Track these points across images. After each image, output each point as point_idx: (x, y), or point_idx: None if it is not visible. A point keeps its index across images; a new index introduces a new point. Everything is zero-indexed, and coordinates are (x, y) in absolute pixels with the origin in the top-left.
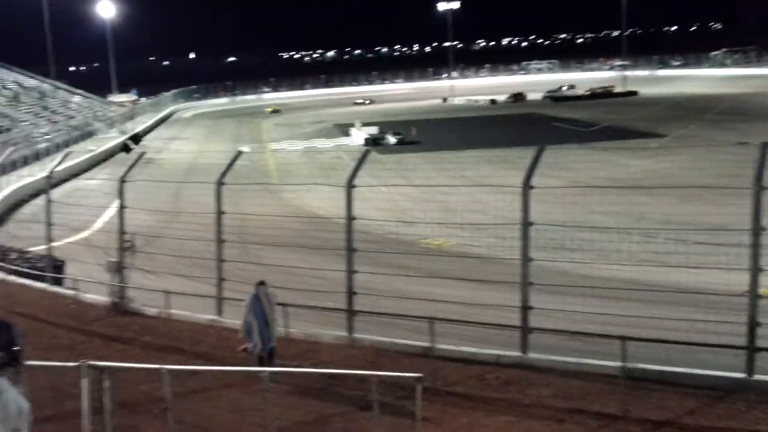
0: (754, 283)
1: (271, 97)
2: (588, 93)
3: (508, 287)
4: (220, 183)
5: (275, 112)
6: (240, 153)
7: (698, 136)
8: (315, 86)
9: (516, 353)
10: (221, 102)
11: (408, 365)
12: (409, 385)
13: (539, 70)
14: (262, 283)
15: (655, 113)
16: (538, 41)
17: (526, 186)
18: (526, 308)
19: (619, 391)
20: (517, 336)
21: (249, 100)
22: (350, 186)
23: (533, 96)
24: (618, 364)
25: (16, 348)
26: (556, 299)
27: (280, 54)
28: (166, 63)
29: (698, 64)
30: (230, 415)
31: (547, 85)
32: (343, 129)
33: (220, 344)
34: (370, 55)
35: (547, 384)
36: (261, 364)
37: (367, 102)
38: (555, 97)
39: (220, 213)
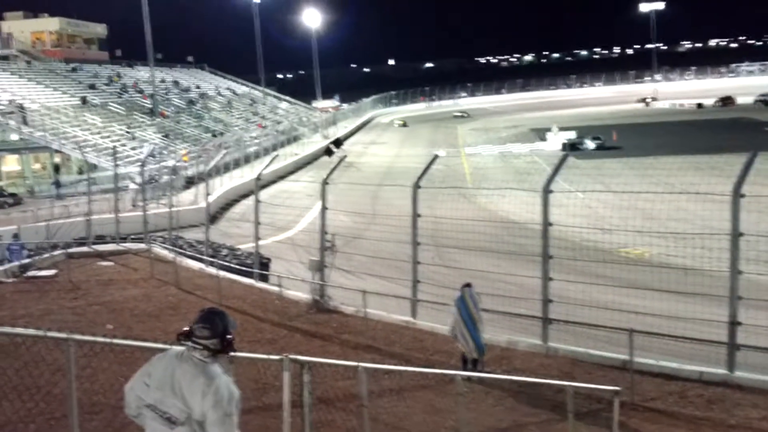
0: None
1: (467, 102)
2: None
3: (714, 301)
4: (416, 186)
5: (403, 125)
6: (436, 157)
7: None
8: (511, 90)
9: (721, 370)
10: (418, 107)
11: (604, 377)
12: (605, 398)
13: (750, 73)
14: (468, 285)
15: None
16: (749, 42)
17: (737, 194)
18: (734, 323)
19: None
20: (722, 352)
21: (445, 105)
22: (547, 191)
23: (743, 100)
24: None
25: (229, 336)
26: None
27: (476, 59)
28: (366, 70)
29: None
30: (424, 416)
31: (759, 88)
32: (540, 133)
33: (414, 345)
34: (568, 59)
35: (755, 405)
36: (465, 366)
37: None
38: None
39: (415, 216)
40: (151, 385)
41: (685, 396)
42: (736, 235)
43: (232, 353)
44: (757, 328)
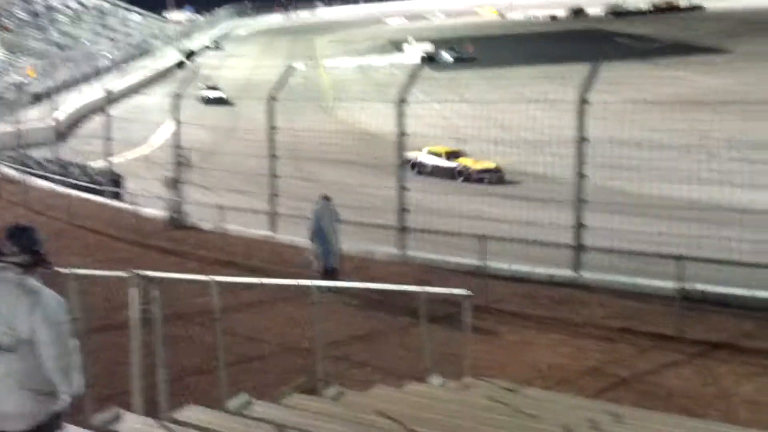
0: None
1: (325, 12)
2: (651, 8)
3: (564, 206)
4: (271, 98)
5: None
6: (291, 68)
7: (766, 52)
8: (369, 0)
9: (568, 272)
10: (276, 19)
11: (459, 283)
12: (460, 302)
13: None
14: (324, 197)
15: (721, 28)
16: None
17: (581, 101)
18: (579, 226)
19: (674, 312)
20: (570, 255)
21: (304, 17)
22: (401, 102)
23: (594, 11)
24: (675, 284)
25: (37, 249)
26: (612, 218)
27: None
28: None
29: None
30: (284, 328)
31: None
32: (398, 46)
33: (273, 258)
34: None
35: (600, 303)
36: (323, 277)
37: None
38: (617, 12)
39: (272, 128)
40: None
41: (535, 297)
42: (580, 140)
43: (49, 266)
44: (602, 230)
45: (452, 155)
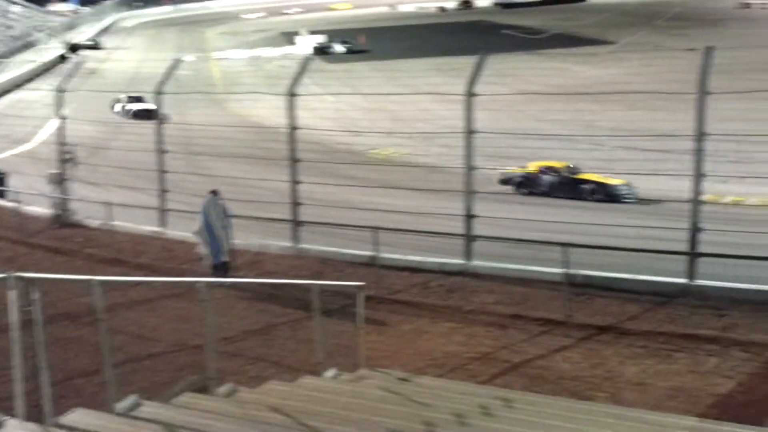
0: (697, 188)
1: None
2: None
3: (456, 196)
4: (159, 92)
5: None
6: (179, 61)
7: (648, 43)
8: None
9: (460, 261)
10: (165, 10)
11: (352, 274)
12: (354, 293)
13: None
14: (213, 192)
15: (605, 20)
16: None
17: (469, 94)
18: (469, 216)
19: (561, 297)
20: (461, 244)
21: (193, 8)
22: (292, 94)
23: (482, 3)
24: (561, 270)
25: None
26: (502, 207)
27: None
28: None
29: None
30: (175, 325)
31: None
32: (290, 37)
33: (163, 255)
34: None
35: (491, 291)
36: (215, 273)
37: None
38: (505, 4)
39: (160, 122)
40: None
41: (427, 287)
42: (468, 132)
43: None
44: (492, 219)
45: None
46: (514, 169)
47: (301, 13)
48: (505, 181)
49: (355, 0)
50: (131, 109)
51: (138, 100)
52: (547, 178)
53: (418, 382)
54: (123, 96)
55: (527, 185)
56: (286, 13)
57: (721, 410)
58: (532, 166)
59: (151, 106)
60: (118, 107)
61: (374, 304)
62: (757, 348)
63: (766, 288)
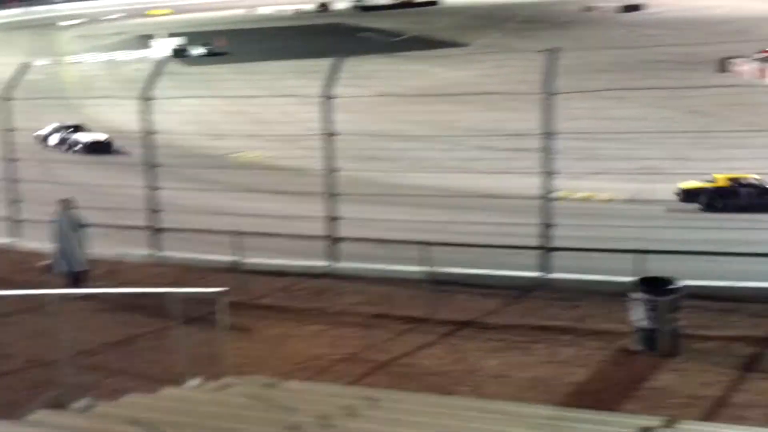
0: (547, 185)
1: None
2: (394, 2)
3: (320, 199)
4: (7, 98)
5: None
6: (27, 65)
7: (500, 45)
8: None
9: (324, 263)
10: (14, 13)
11: (215, 280)
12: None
13: None
14: (64, 201)
15: (459, 22)
16: None
17: (326, 96)
18: (333, 219)
19: (424, 294)
20: (326, 246)
21: (41, 10)
22: (147, 98)
23: (341, 5)
24: (423, 268)
25: None
26: (366, 209)
27: None
28: None
29: None
30: (29, 341)
31: None
32: (147, 40)
33: (16, 268)
34: None
35: (356, 291)
36: (71, 284)
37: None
38: (363, 7)
39: (9, 131)
40: None
41: (293, 290)
42: (328, 134)
43: None
44: (357, 220)
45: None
46: (695, 184)
47: (123, 18)
48: (689, 197)
49: (178, 5)
50: (79, 142)
51: (76, 128)
52: (744, 191)
53: (284, 386)
54: (56, 124)
55: (718, 200)
56: (108, 19)
57: (578, 398)
58: (720, 180)
59: (102, 137)
60: (53, 139)
61: (239, 310)
62: (610, 336)
63: (616, 279)
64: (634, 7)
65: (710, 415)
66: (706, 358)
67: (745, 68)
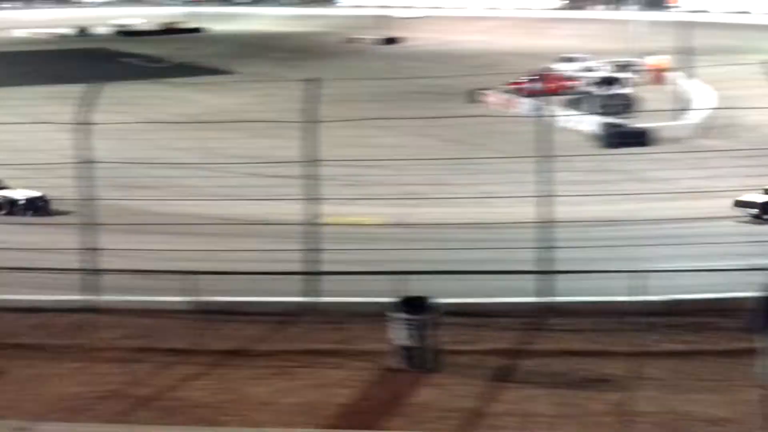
0: (313, 211)
1: None
2: (158, 28)
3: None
4: None
5: None
6: None
7: (266, 74)
8: None
9: (84, 297)
10: None
11: None
12: None
13: (103, 4)
14: None
15: (224, 50)
16: None
17: (84, 123)
18: (92, 249)
19: (190, 325)
20: (87, 279)
21: None
22: None
23: (102, 30)
24: (189, 299)
25: None
26: (130, 238)
27: None
28: None
29: (266, 1)
30: None
31: (111, 19)
32: None
33: None
34: None
35: (118, 325)
36: None
37: None
38: (125, 32)
39: None
40: None
41: (48, 327)
42: (86, 162)
43: None
44: (121, 251)
45: None
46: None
47: None
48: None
49: None
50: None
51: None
52: None
53: (38, 429)
54: None
55: None
56: None
57: (345, 420)
58: None
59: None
60: None
61: None
62: (374, 356)
63: (380, 300)
64: (392, 40)
65: (467, 426)
66: (464, 371)
67: (493, 99)
